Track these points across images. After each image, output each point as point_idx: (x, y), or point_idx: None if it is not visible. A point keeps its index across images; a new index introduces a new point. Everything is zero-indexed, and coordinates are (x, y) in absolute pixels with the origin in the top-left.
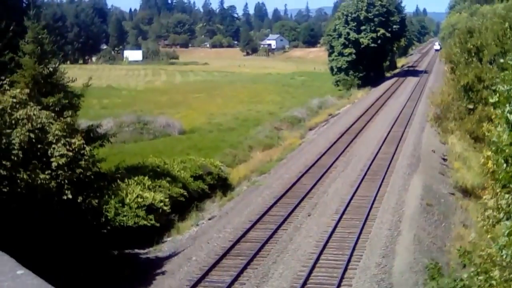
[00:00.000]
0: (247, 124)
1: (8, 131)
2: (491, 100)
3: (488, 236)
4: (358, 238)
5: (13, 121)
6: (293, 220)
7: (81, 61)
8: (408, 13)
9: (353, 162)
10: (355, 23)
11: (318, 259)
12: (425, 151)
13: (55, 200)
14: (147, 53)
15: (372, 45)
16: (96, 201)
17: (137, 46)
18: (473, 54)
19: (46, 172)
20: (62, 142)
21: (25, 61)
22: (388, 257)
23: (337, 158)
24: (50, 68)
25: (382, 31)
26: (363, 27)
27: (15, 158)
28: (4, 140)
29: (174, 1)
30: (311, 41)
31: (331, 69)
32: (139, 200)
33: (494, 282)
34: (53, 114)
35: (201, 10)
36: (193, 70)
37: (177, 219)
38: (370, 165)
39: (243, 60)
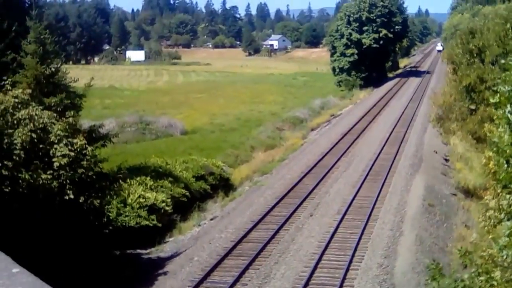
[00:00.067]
0: (249, 125)
1: (10, 131)
2: (492, 101)
3: (490, 236)
4: (360, 238)
5: (15, 121)
6: (295, 220)
7: (83, 61)
8: (410, 14)
9: (355, 162)
10: (357, 24)
11: (320, 259)
12: (427, 152)
13: (57, 200)
14: (149, 53)
15: (374, 45)
16: (98, 201)
17: (140, 47)
18: (475, 55)
19: (48, 172)
20: (64, 142)
21: (27, 61)
22: (390, 258)
23: (339, 159)
24: (52, 68)
25: (384, 31)
26: (365, 28)
27: (17, 158)
28: (6, 140)
29: (177, 1)
30: (314, 41)
31: (333, 69)
32: (141, 200)
33: (495, 283)
34: (55, 114)
35: (203, 10)
36: (195, 70)
37: (179, 219)
38: (372, 165)
39: (245, 60)
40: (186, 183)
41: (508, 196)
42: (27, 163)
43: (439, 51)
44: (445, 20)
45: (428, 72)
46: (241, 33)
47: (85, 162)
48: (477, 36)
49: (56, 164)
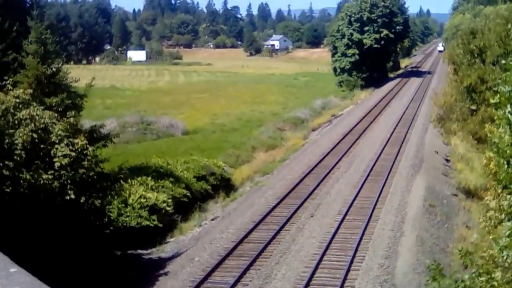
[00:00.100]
0: (250, 125)
1: (11, 131)
2: (492, 101)
3: (490, 237)
4: (361, 239)
5: (16, 121)
6: (296, 221)
7: (84, 61)
8: (412, 14)
9: (356, 163)
10: (359, 24)
11: (320, 260)
12: (428, 152)
13: (58, 200)
14: (151, 53)
15: (376, 46)
16: (99, 201)
17: (141, 47)
18: (476, 55)
19: (49, 172)
20: (65, 142)
21: (28, 61)
22: (390, 258)
23: (340, 159)
24: (53, 68)
25: (385, 32)
26: (366, 28)
27: (18, 158)
28: (7, 140)
29: (178, 1)
30: (315, 41)
31: (334, 69)
32: (142, 200)
33: (495, 283)
34: (56, 114)
35: (205, 10)
36: (197, 70)
37: (180, 219)
38: (373, 166)
39: (246, 60)
40: (187, 183)
41: (508, 196)
42: (28, 163)
43: (440, 51)
44: (446, 21)
45: (429, 73)
46: (242, 33)
47: (86, 162)
48: (478, 37)
49: (57, 164)
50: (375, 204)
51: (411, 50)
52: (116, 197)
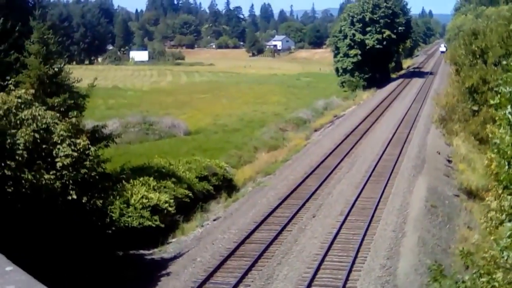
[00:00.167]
0: (252, 125)
1: (13, 131)
2: (492, 102)
3: (492, 238)
4: (363, 239)
5: (18, 121)
6: (297, 221)
7: (87, 62)
8: (414, 14)
9: (358, 163)
10: (361, 25)
11: (322, 260)
12: (430, 153)
13: (59, 201)
14: (153, 53)
15: (378, 46)
16: (101, 201)
17: (143, 47)
18: (477, 56)
19: (51, 173)
20: (67, 142)
21: (30, 61)
22: (392, 259)
23: (342, 160)
24: (55, 68)
25: (387, 32)
26: (368, 29)
27: (20, 158)
28: (9, 140)
29: (180, 2)
30: (317, 42)
31: (337, 70)
32: (144, 200)
33: (496, 284)
34: (58, 115)
35: (207, 11)
36: (199, 71)
37: (182, 220)
38: (375, 166)
39: (248, 61)
40: (189, 183)
41: (509, 197)
42: (30, 163)
43: (442, 52)
44: (448, 21)
45: (431, 73)
46: (244, 33)
47: (88, 163)
48: (480, 37)
49: (59, 164)
50: (377, 205)
51: (413, 50)
52: (118, 198)
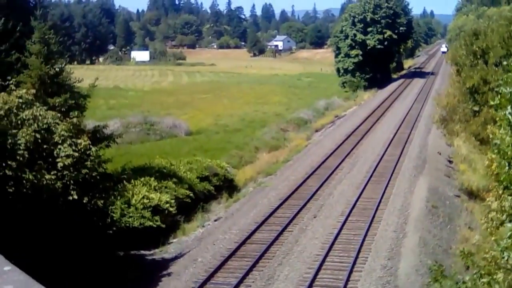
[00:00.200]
0: (254, 125)
1: (14, 131)
2: (492, 103)
3: (492, 238)
4: (364, 240)
5: (19, 121)
6: (298, 221)
7: (88, 62)
8: (415, 15)
9: (359, 164)
10: (362, 25)
11: (323, 261)
12: (431, 153)
13: (60, 201)
14: (154, 53)
15: (379, 46)
16: (102, 202)
17: (144, 47)
18: (478, 56)
19: (52, 173)
20: (68, 142)
21: (31, 61)
22: (393, 259)
23: (343, 160)
24: (56, 69)
25: (388, 32)
26: (369, 29)
27: (21, 159)
28: (10, 140)
29: (182, 2)
30: (318, 42)
31: (338, 70)
32: (145, 201)
33: (497, 285)
34: (59, 115)
35: (209, 11)
36: (200, 71)
37: (183, 220)
38: (376, 167)
39: (250, 61)
40: (190, 184)
41: (509, 197)
42: (31, 163)
43: (443, 52)
44: (450, 22)
45: (432, 73)
46: (246, 33)
47: (89, 163)
48: (481, 38)
49: (60, 165)
50: (378, 205)
51: (414, 51)
52: (119, 198)
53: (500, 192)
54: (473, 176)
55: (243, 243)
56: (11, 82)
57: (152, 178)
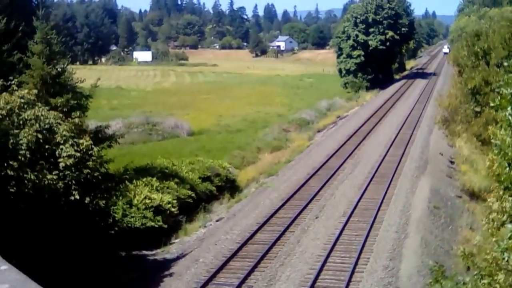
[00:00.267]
0: (256, 126)
1: (16, 131)
2: (492, 104)
3: (493, 239)
4: (365, 240)
5: (21, 122)
6: (300, 222)
7: (90, 62)
8: (417, 16)
9: (361, 164)
10: (364, 26)
11: (325, 261)
12: (432, 154)
13: (62, 201)
14: (157, 54)
15: (381, 47)
16: (104, 202)
17: (147, 47)
18: (480, 57)
19: (54, 173)
20: (70, 142)
21: (33, 62)
22: (395, 260)
23: (345, 161)
24: (58, 69)
25: (390, 33)
26: (371, 30)
27: (23, 159)
28: (11, 140)
29: (184, 2)
30: (320, 43)
31: (340, 71)
32: (147, 201)
33: (498, 286)
34: (61, 115)
35: (211, 11)
36: (202, 71)
37: (185, 220)
38: (378, 167)
39: (252, 61)
40: (192, 184)
41: (510, 198)
42: (32, 163)
43: (445, 53)
44: (452, 22)
45: (434, 74)
46: (248, 34)
47: (91, 163)
48: (483, 39)
49: (61, 165)
50: (380, 206)
51: (416, 51)
52: (121, 198)
53: (501, 192)
54: (475, 177)
55: (245, 243)
56: (13, 82)
57: (154, 179)
